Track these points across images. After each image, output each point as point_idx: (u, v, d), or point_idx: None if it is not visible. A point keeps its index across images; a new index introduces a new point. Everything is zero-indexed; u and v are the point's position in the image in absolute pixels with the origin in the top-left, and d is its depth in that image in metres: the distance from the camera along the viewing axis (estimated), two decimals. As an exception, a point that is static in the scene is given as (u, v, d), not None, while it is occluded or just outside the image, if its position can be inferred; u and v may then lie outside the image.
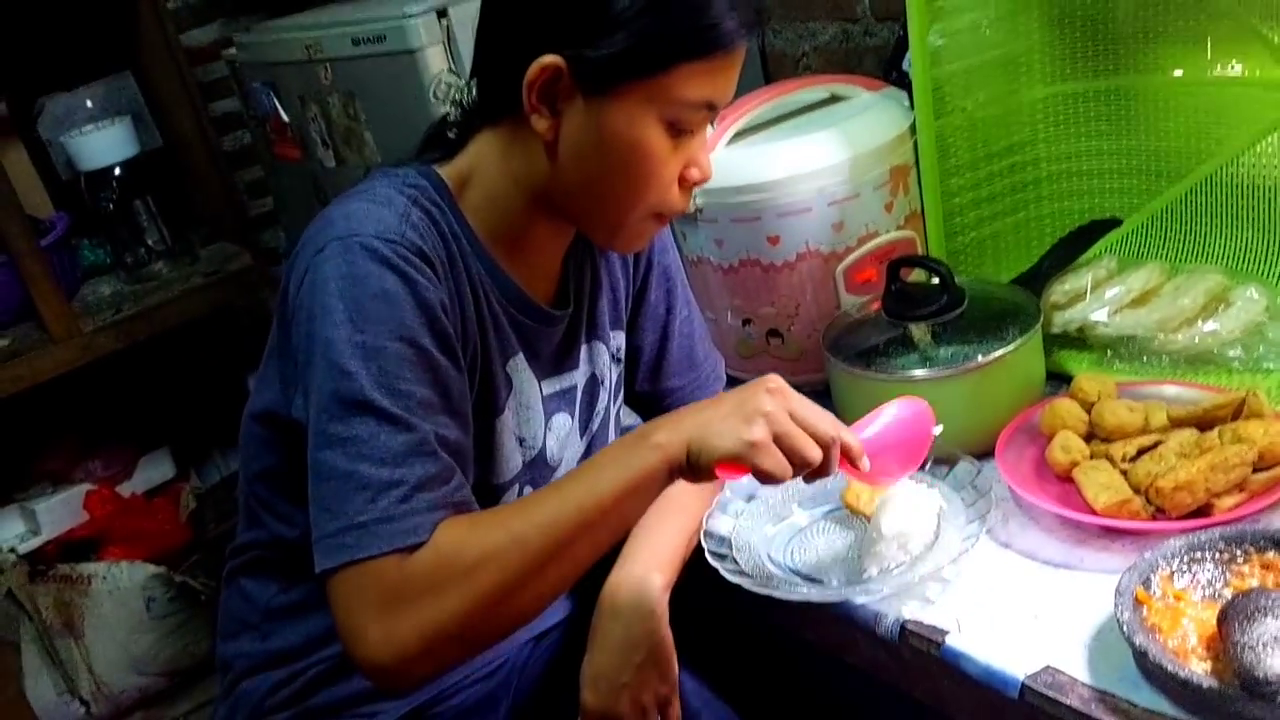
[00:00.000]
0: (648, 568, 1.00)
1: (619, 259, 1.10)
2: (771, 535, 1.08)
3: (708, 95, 0.88)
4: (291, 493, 0.93)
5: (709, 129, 0.94)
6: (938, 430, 0.96)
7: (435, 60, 1.41)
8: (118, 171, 1.95)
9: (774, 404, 0.82)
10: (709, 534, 1.05)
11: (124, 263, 2.01)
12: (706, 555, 1.02)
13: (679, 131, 0.89)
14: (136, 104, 2.14)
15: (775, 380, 0.84)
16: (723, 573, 1.00)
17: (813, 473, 0.84)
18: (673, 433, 0.83)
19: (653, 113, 0.87)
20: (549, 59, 0.85)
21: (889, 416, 0.93)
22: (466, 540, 0.81)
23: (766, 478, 0.82)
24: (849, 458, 0.87)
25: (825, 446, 0.83)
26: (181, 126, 2.13)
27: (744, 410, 0.82)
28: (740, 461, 0.81)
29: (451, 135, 0.98)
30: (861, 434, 0.90)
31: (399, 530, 0.79)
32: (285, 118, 1.67)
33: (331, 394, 0.81)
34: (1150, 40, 1.27)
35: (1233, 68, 1.22)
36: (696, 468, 0.82)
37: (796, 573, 1.02)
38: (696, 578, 1.03)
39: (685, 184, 0.93)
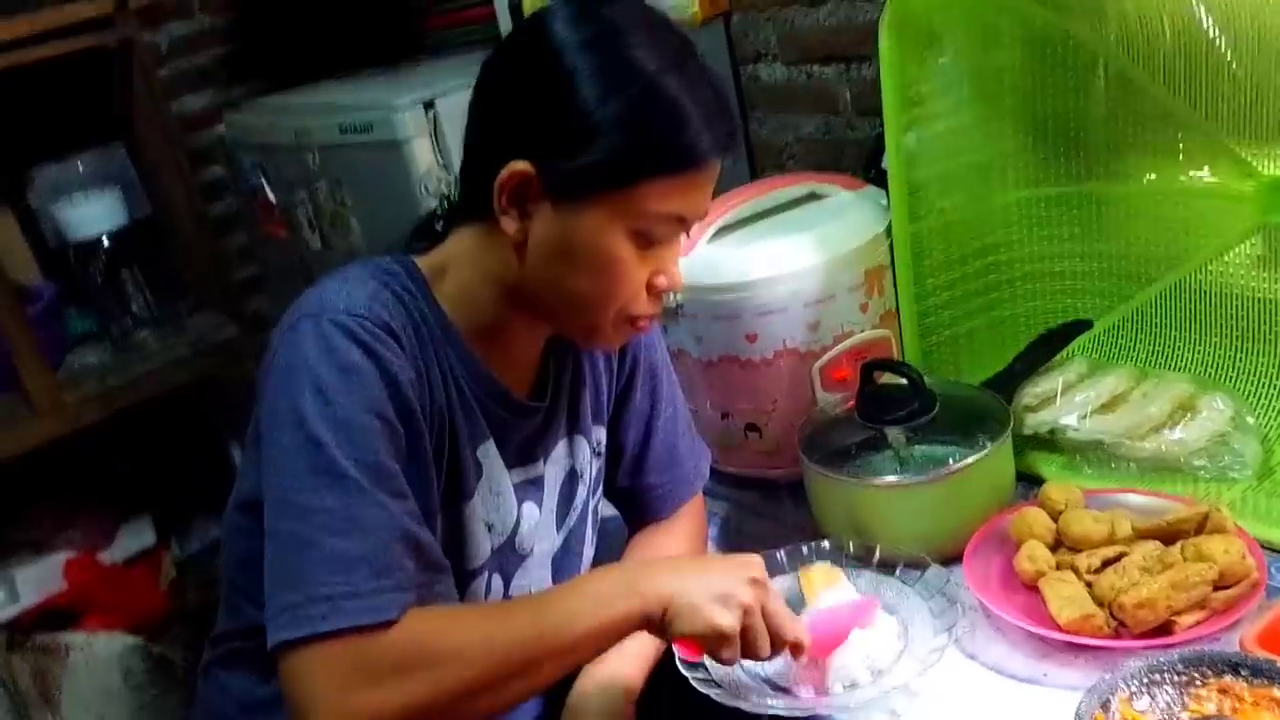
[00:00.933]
0: (614, 673, 1.00)
1: (604, 355, 1.11)
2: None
3: (677, 210, 0.89)
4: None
5: (681, 238, 0.96)
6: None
7: (421, 152, 1.44)
8: (106, 241, 1.97)
9: (753, 598, 0.86)
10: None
11: (110, 332, 2.02)
12: (678, 664, 1.02)
13: (648, 242, 0.90)
14: (126, 173, 2.16)
15: (759, 569, 0.89)
16: (693, 682, 1.00)
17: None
18: (657, 588, 0.85)
19: (620, 223, 0.88)
20: (520, 165, 0.87)
21: (843, 616, 1.00)
22: (440, 631, 0.81)
23: (716, 660, 0.90)
24: (795, 652, 0.91)
25: (779, 647, 0.89)
26: (171, 194, 2.15)
27: (726, 595, 0.85)
28: (702, 644, 0.87)
29: (438, 228, 1.00)
30: (806, 619, 0.97)
31: (367, 607, 0.79)
32: (273, 198, 1.70)
33: (298, 465, 0.82)
34: (1121, 149, 1.30)
35: (1202, 177, 1.25)
36: (663, 629, 0.86)
37: (767, 681, 1.03)
38: (665, 680, 1.03)
39: (654, 291, 0.94)
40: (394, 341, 0.88)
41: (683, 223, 0.91)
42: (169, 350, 2.02)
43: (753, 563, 0.89)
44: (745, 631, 0.86)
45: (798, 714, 0.96)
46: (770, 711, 0.96)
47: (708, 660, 1.04)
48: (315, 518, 0.81)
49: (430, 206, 1.41)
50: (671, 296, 1.27)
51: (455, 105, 1.45)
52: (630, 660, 1.02)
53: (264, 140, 1.68)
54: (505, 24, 1.84)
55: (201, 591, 2.18)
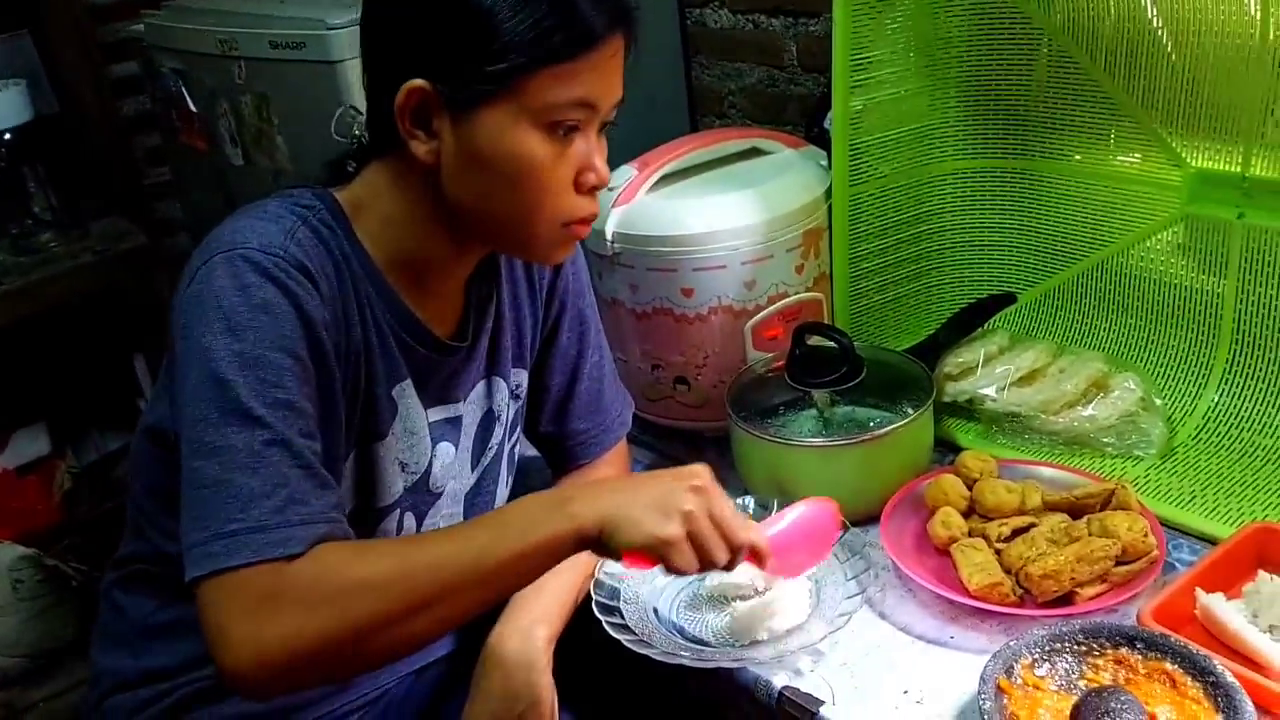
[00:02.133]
0: (534, 619, 1.01)
1: (528, 297, 1.10)
2: (662, 588, 1.10)
3: (580, 95, 0.87)
4: (177, 509, 0.91)
5: (596, 134, 0.92)
6: (844, 532, 1.01)
7: (355, 74, 1.38)
8: (8, 136, 1.86)
9: (695, 503, 0.83)
10: (600, 584, 1.07)
11: (9, 233, 1.92)
12: (594, 606, 1.04)
13: (563, 132, 0.88)
14: (32, 64, 2.04)
15: (701, 477, 0.86)
16: (606, 627, 1.02)
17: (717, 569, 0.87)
18: (590, 506, 0.82)
19: (525, 120, 0.86)
20: (413, 83, 0.85)
21: (797, 515, 0.97)
22: (350, 562, 0.81)
23: (672, 571, 0.84)
24: (756, 559, 0.89)
25: (734, 550, 0.86)
26: (80, 91, 2.05)
27: (665, 504, 0.82)
28: (650, 555, 0.83)
29: (350, 168, 0.97)
30: (769, 531, 0.92)
31: (271, 540, 0.79)
32: (194, 108, 1.62)
33: (208, 402, 0.81)
34: (1057, 129, 1.33)
35: (1133, 163, 1.28)
36: (605, 548, 0.83)
37: (680, 630, 1.05)
38: (584, 625, 1.05)
39: (583, 189, 0.92)
40: (309, 281, 0.86)
41: (592, 108, 0.88)
42: (72, 255, 1.93)
43: (695, 470, 0.86)
44: (693, 538, 0.83)
45: (704, 666, 0.99)
46: (677, 661, 0.99)
47: (623, 605, 1.06)
48: (223, 455, 0.80)
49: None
50: (609, 244, 1.26)
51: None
52: (551, 605, 1.02)
53: (186, 46, 1.60)
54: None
55: (96, 504, 2.13)
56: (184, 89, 1.63)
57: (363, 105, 0.95)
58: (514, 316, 1.09)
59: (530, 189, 0.88)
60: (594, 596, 1.05)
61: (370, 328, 0.93)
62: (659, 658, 0.99)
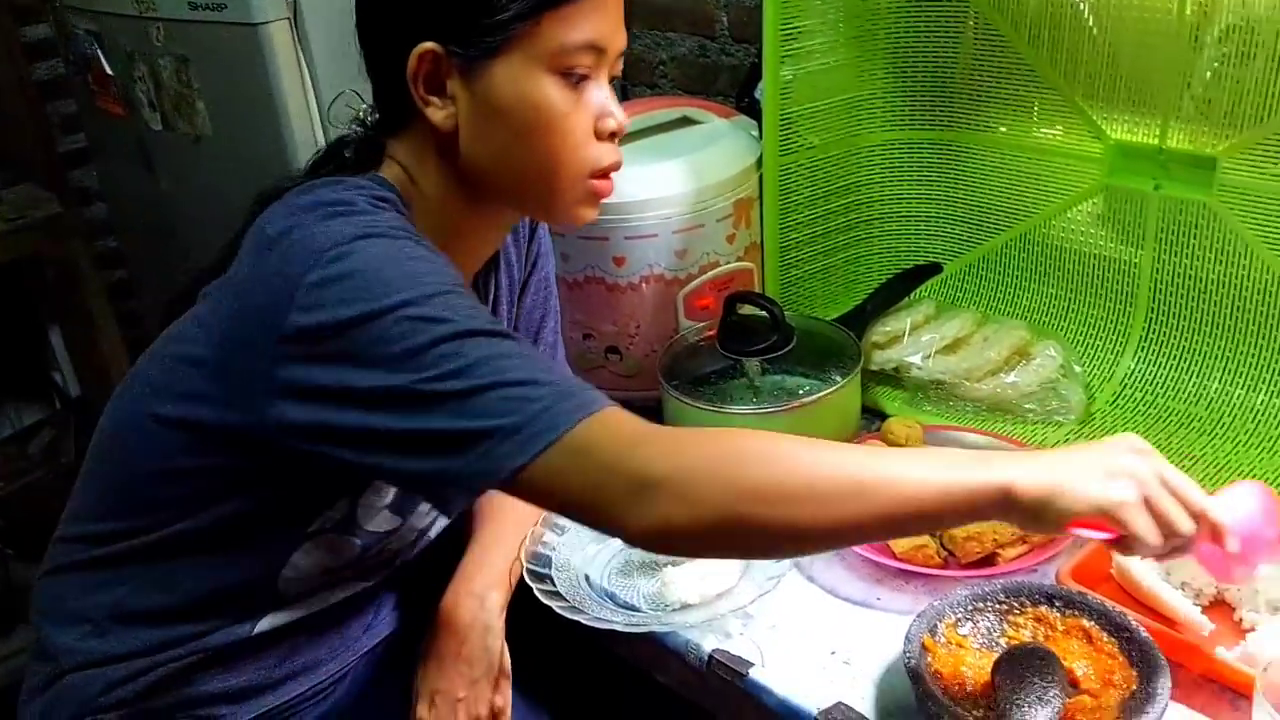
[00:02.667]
0: (486, 585, 1.01)
1: (516, 262, 1.09)
2: (593, 555, 1.11)
3: (588, 36, 0.86)
4: (192, 493, 0.89)
5: (608, 81, 0.91)
6: None
7: (280, 36, 1.36)
8: (-86, 101, 1.79)
9: (1145, 466, 0.73)
10: (531, 554, 1.07)
11: (-83, 201, 1.86)
12: (525, 574, 1.04)
13: (575, 80, 0.87)
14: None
15: (1141, 441, 0.76)
16: (537, 594, 1.02)
17: (1173, 549, 0.75)
18: (1020, 468, 0.72)
19: (538, 68, 0.85)
20: (424, 46, 0.84)
21: (1254, 503, 0.78)
22: (750, 434, 0.77)
23: (1132, 546, 0.74)
24: (1216, 535, 0.75)
25: (1195, 518, 0.74)
26: (-10, 54, 1.98)
27: (1109, 466, 0.73)
28: (1109, 520, 0.72)
29: (348, 155, 0.95)
30: (1229, 517, 0.76)
31: (593, 398, 0.76)
32: (110, 72, 1.57)
33: (423, 346, 0.76)
34: (983, 101, 1.35)
35: (1055, 135, 1.31)
36: (1043, 517, 0.72)
37: (612, 597, 1.06)
38: (525, 592, 1.05)
39: (603, 135, 0.90)
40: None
41: (600, 52, 0.88)
42: (-16, 225, 1.87)
43: (1130, 437, 0.76)
44: (1150, 504, 0.72)
45: (634, 630, 1.00)
46: (607, 626, 0.99)
47: (555, 573, 1.06)
48: (474, 369, 0.75)
49: (294, 104, 1.35)
50: None
51: (318, -13, 1.37)
52: (502, 570, 1.03)
53: (101, 7, 1.54)
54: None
55: (7, 480, 2.07)
56: (99, 52, 1.58)
57: (340, 109, 0.93)
58: (507, 284, 1.08)
59: (551, 137, 0.87)
60: (525, 565, 1.05)
61: None
62: (589, 623, 0.99)
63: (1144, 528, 0.72)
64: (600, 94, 0.89)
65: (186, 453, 0.89)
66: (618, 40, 0.89)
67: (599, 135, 0.90)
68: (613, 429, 0.75)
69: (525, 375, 0.76)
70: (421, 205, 0.91)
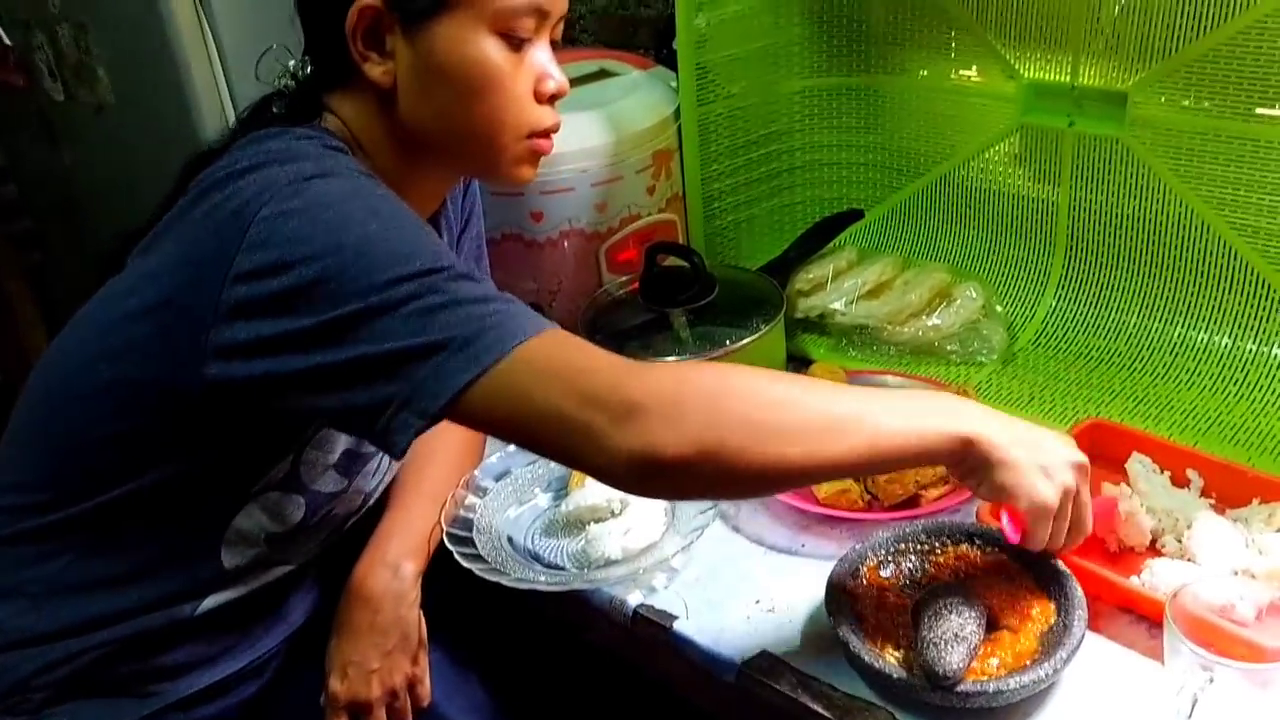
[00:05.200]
0: (399, 554, 1.00)
1: (453, 220, 1.08)
2: (514, 517, 1.10)
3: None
4: (129, 456, 0.87)
5: (549, 44, 0.91)
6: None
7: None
8: None
9: (1075, 480, 0.82)
10: (453, 517, 1.06)
11: None
12: (444, 538, 1.03)
13: (516, 43, 0.87)
14: None
15: (1083, 456, 0.84)
16: (458, 558, 1.01)
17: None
18: (984, 425, 0.79)
19: (480, 28, 0.85)
20: (364, 1, 0.83)
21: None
22: (747, 378, 0.77)
23: (1025, 542, 0.85)
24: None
25: (1075, 538, 0.86)
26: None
27: (1052, 469, 0.81)
28: (1025, 517, 0.82)
29: (276, 110, 0.92)
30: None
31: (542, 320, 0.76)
32: (8, 42, 1.52)
33: (381, 279, 0.74)
34: (899, 44, 1.34)
35: (970, 76, 1.31)
36: (975, 472, 0.81)
37: (536, 558, 1.05)
38: (448, 557, 1.04)
39: (542, 97, 0.90)
40: None
41: (543, 15, 0.88)
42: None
43: (1076, 449, 0.85)
44: (1056, 518, 0.82)
45: (558, 590, 0.99)
46: (530, 587, 0.99)
47: (476, 535, 1.05)
48: (435, 294, 0.74)
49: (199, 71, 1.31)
50: None
51: (218, -51, 1.33)
52: (417, 538, 1.01)
53: (-6, -26, 1.50)
54: None
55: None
56: (-6, 20, 1.53)
57: (266, 67, 0.91)
58: (447, 240, 1.06)
59: (492, 97, 0.87)
60: (445, 529, 1.03)
61: None
62: (511, 584, 0.98)
63: (1042, 536, 0.83)
64: (541, 56, 0.89)
65: (122, 415, 0.86)
66: (560, 3, 0.89)
67: (539, 97, 0.90)
68: (575, 347, 0.75)
69: (480, 294, 0.75)
70: (363, 158, 0.90)
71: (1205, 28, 1.09)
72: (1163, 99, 1.14)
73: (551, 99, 0.91)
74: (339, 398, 0.76)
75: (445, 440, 1.12)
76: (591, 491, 1.06)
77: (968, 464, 0.80)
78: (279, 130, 0.87)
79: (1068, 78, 1.21)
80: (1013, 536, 0.87)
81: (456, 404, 0.73)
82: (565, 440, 0.75)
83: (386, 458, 1.02)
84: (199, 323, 0.79)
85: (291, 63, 0.92)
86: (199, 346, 0.79)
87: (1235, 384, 1.15)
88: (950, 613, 0.84)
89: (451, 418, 0.75)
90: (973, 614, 0.85)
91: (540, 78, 0.89)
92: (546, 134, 0.92)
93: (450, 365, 0.73)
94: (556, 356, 0.74)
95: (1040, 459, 0.81)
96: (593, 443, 0.73)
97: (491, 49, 0.86)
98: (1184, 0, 1.09)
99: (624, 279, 1.29)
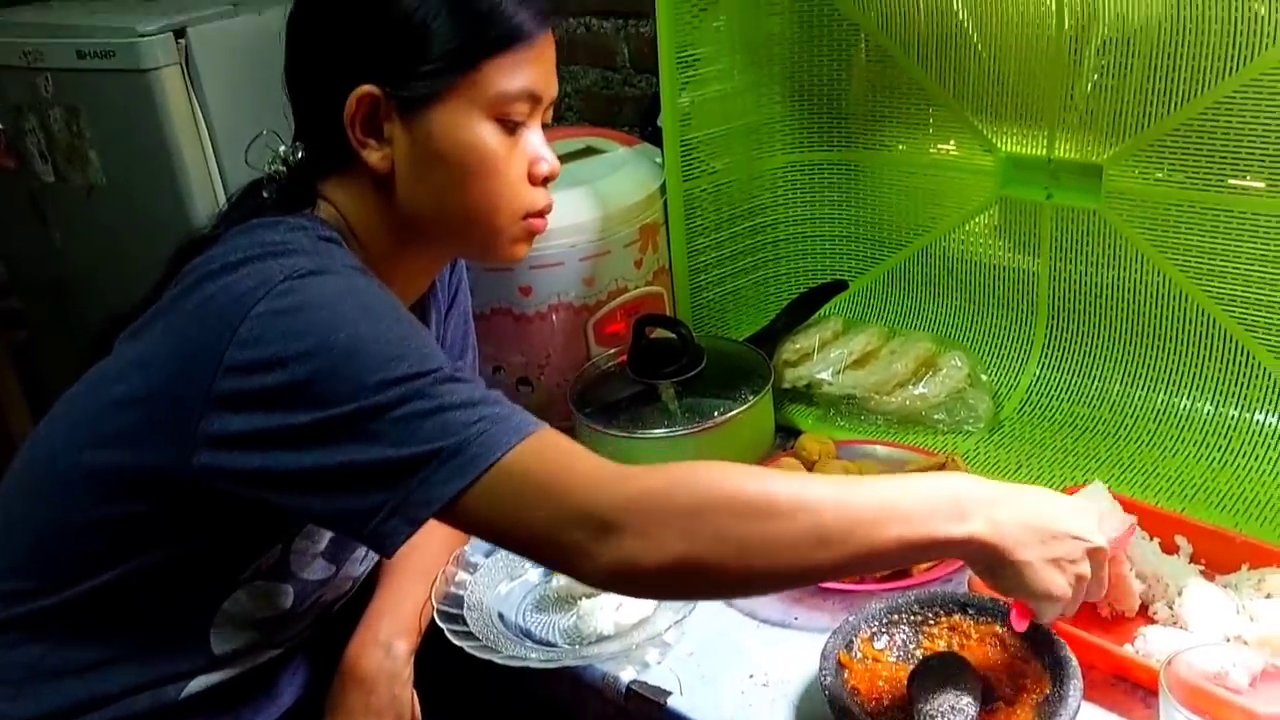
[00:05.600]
0: (391, 633, 0.99)
1: (441, 296, 1.08)
2: (505, 593, 1.09)
3: (525, 85, 0.88)
4: (116, 543, 0.86)
5: (540, 128, 0.93)
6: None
7: (171, 82, 1.34)
8: None
9: (1089, 570, 0.81)
10: (443, 594, 1.05)
11: None
12: (435, 616, 1.02)
13: (510, 127, 0.89)
14: None
15: (1100, 539, 0.82)
16: (449, 635, 1.00)
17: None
18: (993, 527, 0.77)
19: (476, 113, 0.87)
20: (363, 89, 0.85)
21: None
22: (743, 478, 0.76)
23: (1039, 620, 0.85)
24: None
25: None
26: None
27: (1066, 560, 0.80)
28: (1035, 609, 0.82)
29: (266, 195, 0.93)
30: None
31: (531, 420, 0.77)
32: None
33: (370, 382, 0.75)
34: (879, 120, 1.37)
35: (949, 150, 1.34)
36: (992, 574, 0.79)
37: (526, 634, 1.04)
38: (441, 635, 1.03)
39: (536, 179, 0.93)
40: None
41: (536, 100, 0.90)
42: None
43: (1095, 531, 0.82)
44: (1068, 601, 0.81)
45: (550, 666, 0.98)
46: (522, 664, 0.98)
47: (467, 612, 1.04)
48: (418, 400, 0.75)
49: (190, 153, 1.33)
50: None
51: (209, 34, 1.36)
52: (409, 616, 1.00)
53: (-12, 59, 1.52)
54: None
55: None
56: (-13, 105, 1.55)
57: (257, 152, 0.92)
58: (435, 319, 1.07)
59: (488, 181, 0.89)
60: (436, 606, 1.02)
61: None
62: (503, 662, 0.97)
63: (1050, 617, 0.83)
64: (534, 139, 0.92)
65: (110, 501, 0.85)
66: (552, 88, 0.92)
67: (533, 179, 0.92)
68: (557, 454, 0.76)
69: (466, 398, 0.75)
70: (357, 246, 0.91)
71: (1176, 103, 1.12)
72: (1137, 171, 1.17)
73: (545, 180, 0.93)
74: (328, 500, 0.76)
75: None
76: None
77: (976, 563, 0.80)
78: (273, 220, 0.87)
79: (1044, 151, 1.23)
80: (1019, 626, 0.86)
81: (445, 512, 0.74)
82: (548, 552, 0.77)
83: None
84: (189, 412, 0.79)
85: (282, 148, 0.93)
86: (189, 435, 0.79)
87: (1219, 450, 1.16)
88: (946, 685, 0.84)
89: (441, 520, 0.76)
90: (969, 686, 0.84)
91: (534, 160, 0.92)
92: (541, 214, 0.94)
93: (438, 476, 0.74)
94: (538, 468, 0.75)
95: (1053, 552, 0.79)
96: (575, 557, 0.75)
97: (487, 133, 0.88)
98: (1155, 77, 1.12)
99: (612, 351, 1.30)
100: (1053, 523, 0.80)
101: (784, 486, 0.76)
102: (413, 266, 0.96)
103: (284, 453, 0.76)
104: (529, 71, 0.89)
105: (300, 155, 0.92)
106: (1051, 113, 1.21)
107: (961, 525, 0.76)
